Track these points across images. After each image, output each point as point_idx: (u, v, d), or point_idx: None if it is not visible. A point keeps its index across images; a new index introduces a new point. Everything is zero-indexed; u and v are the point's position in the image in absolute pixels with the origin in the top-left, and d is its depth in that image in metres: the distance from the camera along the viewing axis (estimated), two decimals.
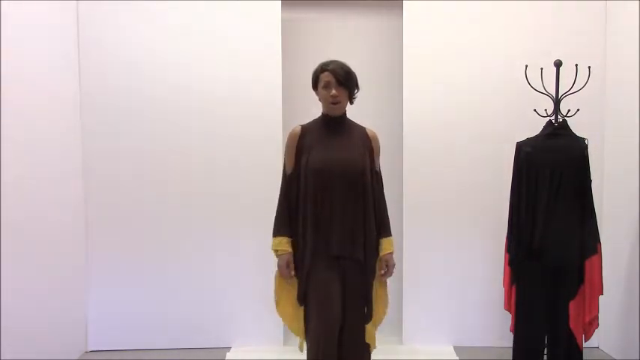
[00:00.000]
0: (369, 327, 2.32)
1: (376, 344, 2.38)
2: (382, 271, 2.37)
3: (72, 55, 3.26)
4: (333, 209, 2.23)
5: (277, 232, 2.30)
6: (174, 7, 3.31)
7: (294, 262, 2.30)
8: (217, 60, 3.34)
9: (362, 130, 2.37)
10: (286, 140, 2.35)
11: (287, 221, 2.29)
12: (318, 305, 2.23)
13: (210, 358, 3.29)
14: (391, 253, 2.36)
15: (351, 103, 2.34)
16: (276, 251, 2.30)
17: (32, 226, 2.84)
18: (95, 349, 3.41)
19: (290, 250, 2.29)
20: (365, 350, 2.33)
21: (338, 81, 2.22)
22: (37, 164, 2.90)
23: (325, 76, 2.23)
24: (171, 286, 3.40)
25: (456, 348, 3.40)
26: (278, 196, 2.35)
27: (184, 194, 3.37)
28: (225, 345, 3.42)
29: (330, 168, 2.22)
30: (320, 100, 2.31)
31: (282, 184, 2.35)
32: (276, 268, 2.34)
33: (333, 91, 2.22)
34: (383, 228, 2.36)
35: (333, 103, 2.25)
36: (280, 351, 3.33)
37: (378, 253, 2.34)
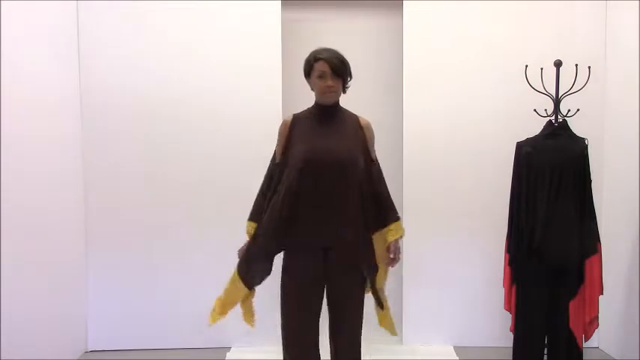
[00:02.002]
0: (383, 313, 2.36)
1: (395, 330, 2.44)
2: (391, 256, 2.32)
3: (72, 55, 3.26)
4: (320, 200, 2.17)
5: (252, 217, 2.35)
6: (174, 7, 3.31)
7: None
8: (217, 60, 3.33)
9: (355, 118, 2.32)
10: (278, 129, 2.34)
11: (261, 207, 2.31)
12: (292, 315, 2.26)
13: (210, 358, 3.29)
14: (397, 242, 2.32)
15: (344, 92, 2.29)
16: (247, 234, 2.35)
17: (32, 225, 2.84)
18: (95, 349, 3.41)
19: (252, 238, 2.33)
20: (358, 343, 2.34)
21: (333, 71, 2.18)
22: (37, 164, 2.90)
23: (320, 66, 2.19)
24: (171, 286, 3.40)
25: (456, 348, 3.40)
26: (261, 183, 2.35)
27: (184, 194, 3.37)
28: (225, 345, 3.42)
29: (318, 157, 2.17)
30: (312, 89, 2.27)
31: (267, 172, 2.35)
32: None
33: (329, 82, 2.18)
34: (392, 212, 2.34)
35: (328, 93, 2.21)
36: (280, 351, 3.31)
37: (369, 243, 2.29)
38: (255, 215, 2.33)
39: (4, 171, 2.60)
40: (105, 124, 3.34)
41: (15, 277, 2.67)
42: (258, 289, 3.37)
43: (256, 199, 2.34)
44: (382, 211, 2.31)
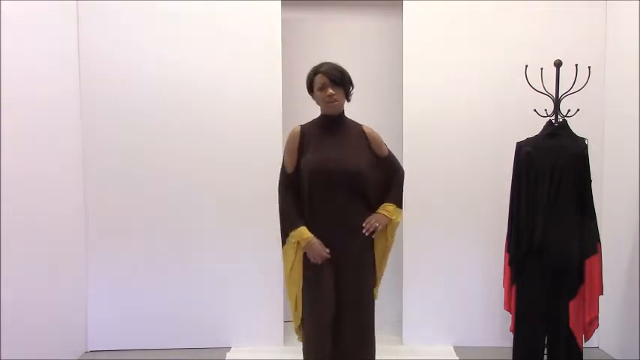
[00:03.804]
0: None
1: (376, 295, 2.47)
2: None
3: (72, 55, 3.26)
4: (329, 207, 2.28)
5: (293, 225, 2.30)
6: (174, 7, 3.31)
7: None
8: (217, 60, 3.33)
9: (359, 128, 2.41)
10: (286, 140, 2.39)
11: (298, 213, 2.31)
12: (310, 304, 2.32)
13: (210, 358, 3.29)
14: (383, 216, 2.35)
15: (348, 100, 2.38)
16: (305, 240, 2.28)
17: (32, 226, 2.84)
18: (95, 349, 3.41)
19: (311, 234, 2.29)
20: (370, 343, 2.41)
21: (333, 81, 2.26)
22: (37, 164, 2.90)
23: (320, 78, 2.28)
24: (171, 286, 3.40)
25: (456, 348, 3.40)
26: (278, 197, 2.38)
27: (184, 194, 3.37)
28: (225, 345, 3.41)
29: (326, 168, 2.27)
30: (317, 102, 2.35)
31: (281, 183, 2.39)
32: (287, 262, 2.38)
33: (330, 91, 2.26)
34: (390, 196, 2.39)
35: (331, 102, 2.28)
36: (280, 351, 3.33)
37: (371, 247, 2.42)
38: (297, 222, 2.31)
39: (4, 171, 2.60)
40: (105, 123, 3.33)
41: (15, 277, 2.66)
42: (258, 288, 3.38)
43: (285, 211, 2.34)
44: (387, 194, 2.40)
